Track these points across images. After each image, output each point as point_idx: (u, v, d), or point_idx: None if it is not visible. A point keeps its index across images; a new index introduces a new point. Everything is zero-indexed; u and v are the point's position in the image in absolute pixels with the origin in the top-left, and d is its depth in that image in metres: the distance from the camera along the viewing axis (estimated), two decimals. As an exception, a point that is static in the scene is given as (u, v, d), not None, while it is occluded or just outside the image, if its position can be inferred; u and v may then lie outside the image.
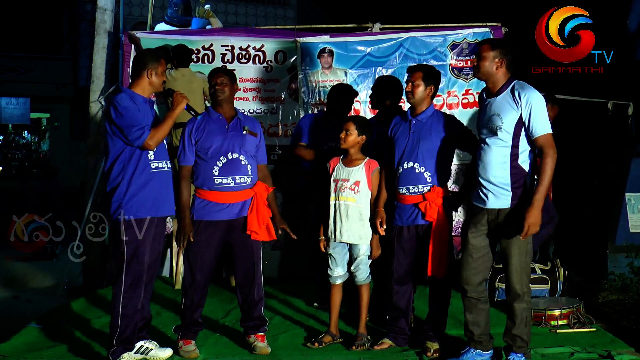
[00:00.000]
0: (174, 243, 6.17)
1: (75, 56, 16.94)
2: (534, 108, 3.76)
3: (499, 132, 3.80)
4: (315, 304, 5.34)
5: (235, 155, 4.24)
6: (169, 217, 4.99)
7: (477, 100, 5.04)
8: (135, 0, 14.90)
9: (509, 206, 3.82)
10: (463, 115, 6.11)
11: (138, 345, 4.12)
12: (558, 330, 4.67)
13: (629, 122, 7.06)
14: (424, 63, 5.86)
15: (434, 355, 4.19)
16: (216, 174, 4.21)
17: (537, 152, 3.84)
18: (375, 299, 4.71)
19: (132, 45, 6.43)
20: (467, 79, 6.48)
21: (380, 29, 6.71)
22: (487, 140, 3.86)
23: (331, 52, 6.55)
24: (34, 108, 18.30)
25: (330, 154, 4.72)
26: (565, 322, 4.77)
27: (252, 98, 6.60)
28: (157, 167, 4.06)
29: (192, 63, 6.34)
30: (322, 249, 4.50)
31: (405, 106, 4.62)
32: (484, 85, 3.99)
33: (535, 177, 3.82)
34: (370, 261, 4.44)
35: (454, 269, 4.13)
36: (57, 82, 17.17)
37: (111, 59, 6.78)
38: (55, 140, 18.46)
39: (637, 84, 7.04)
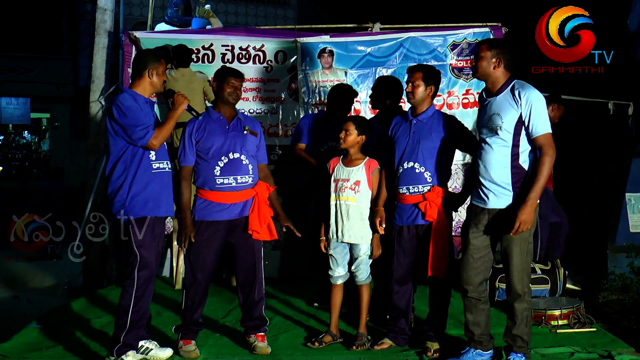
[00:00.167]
0: (174, 243, 6.18)
1: (75, 56, 16.96)
2: (533, 107, 3.76)
3: (499, 132, 3.80)
4: (316, 304, 5.34)
5: (237, 155, 4.24)
6: (168, 217, 4.99)
7: (477, 100, 5.04)
8: (135, 0, 14.90)
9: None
10: (463, 115, 6.10)
11: (138, 345, 4.12)
12: (558, 330, 4.67)
13: (629, 122, 7.07)
14: (424, 63, 5.87)
15: (434, 355, 4.19)
16: (217, 174, 4.20)
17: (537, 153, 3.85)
18: (375, 299, 4.71)
19: (133, 46, 6.43)
20: (467, 79, 6.48)
21: (381, 29, 6.71)
22: (487, 140, 3.86)
23: (331, 52, 6.55)
24: (34, 108, 18.32)
25: (330, 154, 4.72)
26: (565, 322, 4.77)
27: (252, 98, 6.60)
28: (158, 168, 4.06)
29: (192, 63, 6.34)
30: (323, 250, 4.50)
31: (406, 106, 4.62)
32: (485, 85, 3.99)
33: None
34: (370, 261, 4.44)
35: (454, 269, 4.13)
36: (57, 82, 17.19)
37: (111, 59, 6.78)
38: (56, 140, 18.47)
39: (637, 84, 7.04)
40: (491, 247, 3.96)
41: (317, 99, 6.55)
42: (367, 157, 4.44)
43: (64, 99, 17.39)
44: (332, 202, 4.42)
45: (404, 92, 4.48)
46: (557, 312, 4.80)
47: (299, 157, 5.40)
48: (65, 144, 17.73)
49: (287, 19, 16.71)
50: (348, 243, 4.41)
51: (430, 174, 4.20)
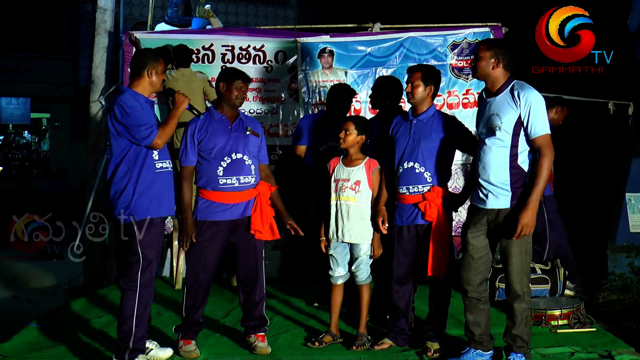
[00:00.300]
0: (174, 243, 6.18)
1: (75, 56, 16.94)
2: (532, 108, 3.76)
3: (498, 132, 3.80)
4: (316, 304, 5.34)
5: (239, 156, 4.23)
6: (169, 217, 4.98)
7: (477, 100, 5.04)
8: (135, 0, 14.89)
9: (509, 206, 3.82)
10: (463, 115, 6.12)
11: (145, 346, 4.11)
12: (558, 330, 4.67)
13: (629, 122, 7.06)
14: (424, 63, 5.88)
15: (434, 355, 4.19)
16: (220, 174, 4.20)
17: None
18: (376, 299, 4.72)
19: (133, 47, 6.43)
20: (467, 79, 6.48)
21: (381, 29, 6.71)
22: (486, 140, 3.86)
23: (331, 52, 6.55)
24: (34, 108, 18.29)
25: (330, 154, 4.72)
26: (565, 322, 4.77)
27: (252, 98, 6.60)
28: (161, 168, 4.04)
29: (193, 63, 6.34)
30: (323, 250, 4.50)
31: (406, 106, 4.63)
32: (485, 85, 3.99)
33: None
34: (371, 261, 4.44)
35: (454, 269, 4.13)
36: (57, 82, 17.16)
37: (111, 59, 6.79)
38: (56, 140, 18.45)
39: (637, 84, 7.04)
40: (491, 247, 3.96)
41: (317, 99, 6.55)
42: (367, 157, 4.44)
43: (64, 99, 17.37)
44: (333, 202, 4.42)
45: (404, 92, 4.48)
46: (557, 312, 4.80)
47: (299, 158, 5.41)
48: (65, 144, 17.71)
49: (287, 19, 16.70)
50: (348, 243, 4.41)
51: (430, 174, 4.20)
